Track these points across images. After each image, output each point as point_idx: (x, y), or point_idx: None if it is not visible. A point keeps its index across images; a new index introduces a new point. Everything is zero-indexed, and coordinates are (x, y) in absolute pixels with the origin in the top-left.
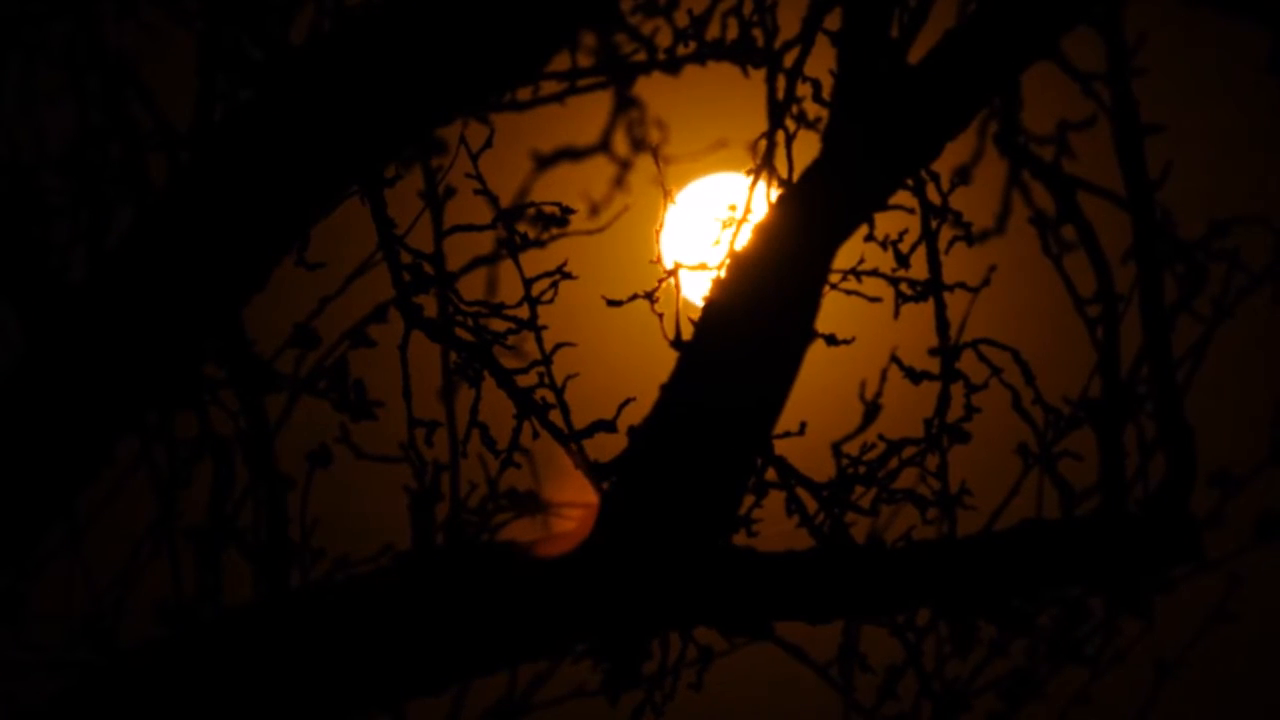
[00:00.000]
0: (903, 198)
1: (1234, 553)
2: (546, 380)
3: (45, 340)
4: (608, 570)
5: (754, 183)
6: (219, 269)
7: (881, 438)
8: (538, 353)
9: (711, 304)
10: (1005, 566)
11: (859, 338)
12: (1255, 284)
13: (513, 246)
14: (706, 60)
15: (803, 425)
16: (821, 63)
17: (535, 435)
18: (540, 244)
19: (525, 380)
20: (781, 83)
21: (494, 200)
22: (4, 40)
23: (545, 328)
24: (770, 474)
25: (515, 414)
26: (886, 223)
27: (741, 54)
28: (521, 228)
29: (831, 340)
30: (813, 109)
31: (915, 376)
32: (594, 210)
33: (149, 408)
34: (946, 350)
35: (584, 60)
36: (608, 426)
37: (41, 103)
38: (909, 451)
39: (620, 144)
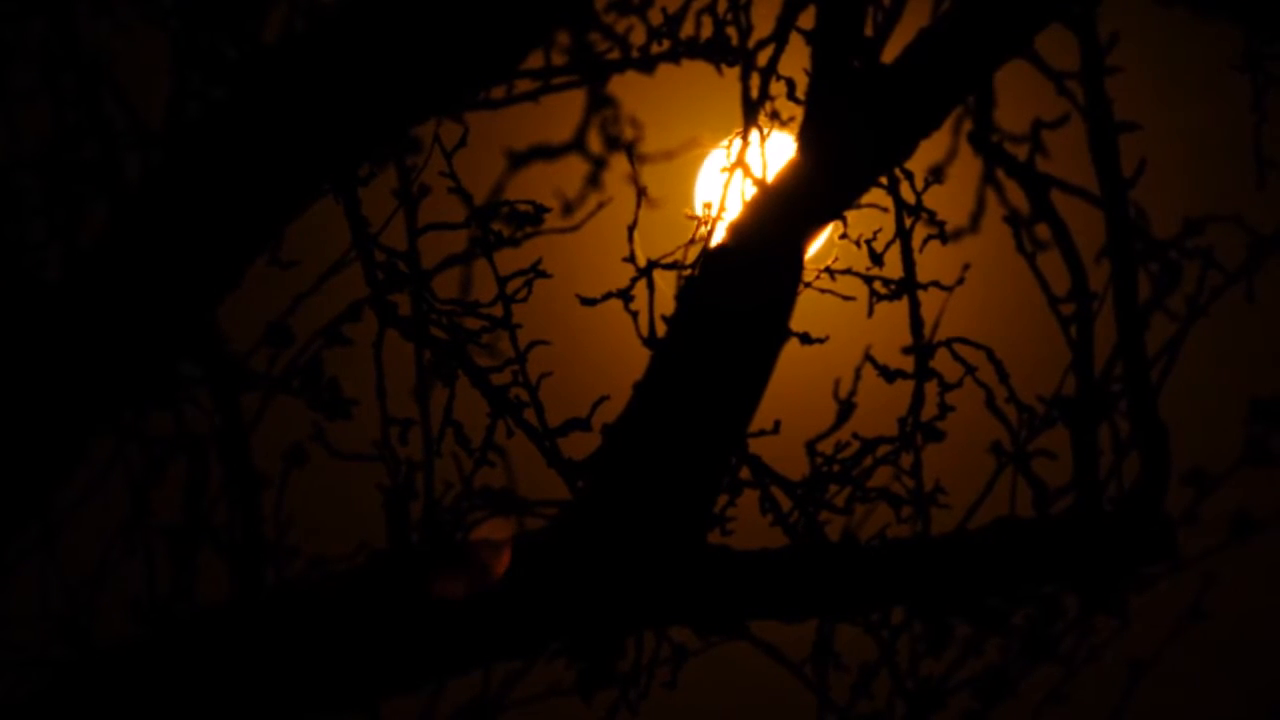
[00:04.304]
0: (877, 196)
1: (1208, 551)
2: (521, 379)
3: (19, 338)
4: (582, 569)
5: (728, 181)
6: (193, 267)
7: (856, 436)
8: (512, 351)
9: (685, 302)
10: (979, 565)
11: (833, 336)
12: (1229, 282)
13: (487, 245)
14: (681, 58)
15: (777, 424)
16: (796, 61)
17: (509, 434)
18: (514, 242)
19: (499, 379)
20: (755, 81)
21: (468, 199)
22: None
23: (519, 326)
24: (744, 472)
25: (489, 412)
26: (861, 221)
27: (716, 52)
28: (496, 226)
29: (806, 339)
30: (787, 107)
31: (889, 375)
32: (568, 209)
33: (123, 406)
34: (920, 348)
35: (558, 59)
36: (582, 425)
37: (16, 102)
38: (883, 450)
39: (594, 142)
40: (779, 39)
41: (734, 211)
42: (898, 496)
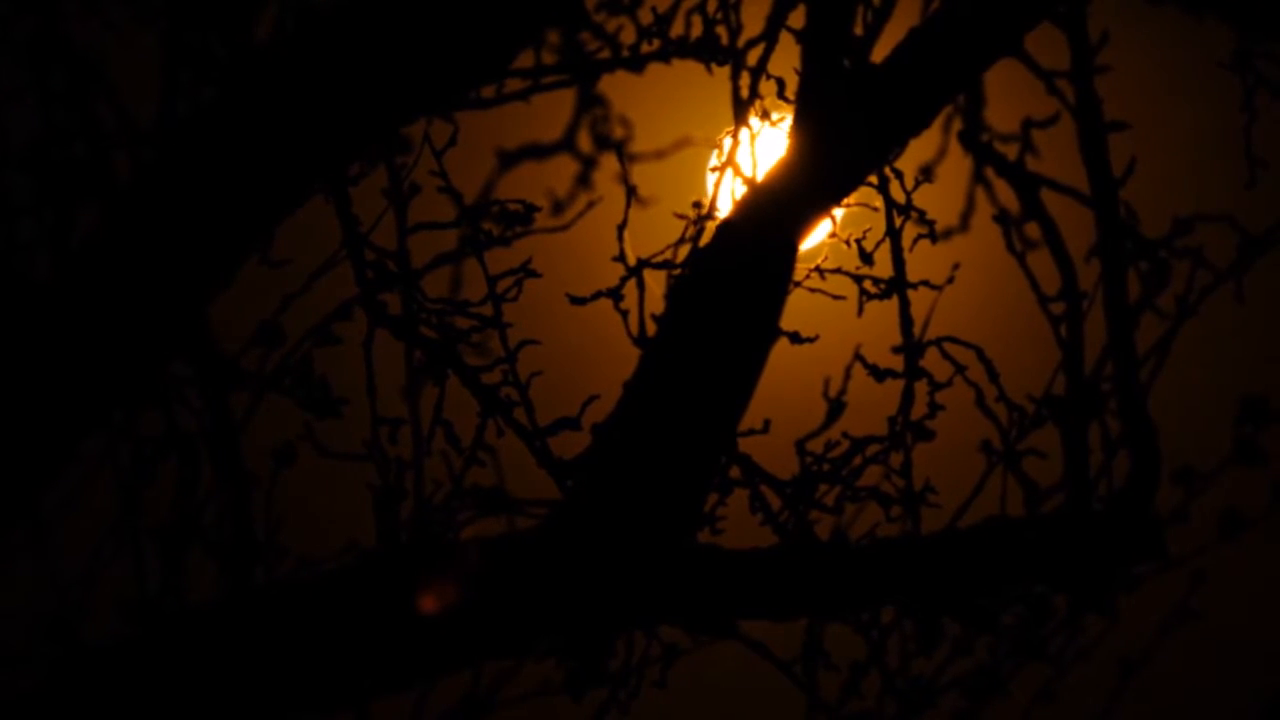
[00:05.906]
0: (867, 195)
1: (1197, 550)
2: (511, 378)
3: (9, 338)
4: (572, 568)
5: (718, 180)
6: (184, 267)
7: (845, 435)
8: (502, 350)
9: (675, 301)
10: (969, 564)
11: (823, 335)
12: (1219, 281)
13: (477, 244)
14: (670, 58)
15: (767, 423)
16: (786, 60)
17: (500, 433)
18: (504, 242)
19: (489, 378)
20: (745, 80)
21: (458, 198)
22: None
23: (509, 325)
24: (734, 471)
25: (479, 412)
26: (851, 220)
27: (705, 51)
28: (486, 225)
29: (795, 338)
30: (777, 106)
31: (879, 374)
32: (558, 208)
33: (114, 405)
34: (910, 348)
35: (548, 58)
36: (572, 424)
37: (5, 100)
38: (873, 449)
39: (585, 141)
40: (769, 38)
41: (724, 210)
42: (888, 496)
